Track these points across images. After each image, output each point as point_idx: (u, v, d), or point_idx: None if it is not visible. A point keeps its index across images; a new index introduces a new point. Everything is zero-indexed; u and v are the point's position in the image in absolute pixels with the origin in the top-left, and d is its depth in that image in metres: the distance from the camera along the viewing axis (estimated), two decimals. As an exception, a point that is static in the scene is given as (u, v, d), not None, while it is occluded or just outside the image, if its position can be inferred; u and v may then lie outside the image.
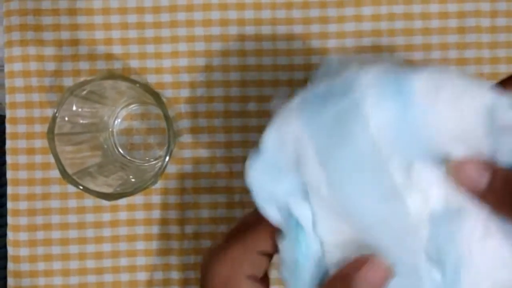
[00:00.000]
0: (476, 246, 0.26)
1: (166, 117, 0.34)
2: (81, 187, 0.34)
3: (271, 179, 0.27)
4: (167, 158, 0.34)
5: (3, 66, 0.42)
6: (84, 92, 0.36)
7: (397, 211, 0.26)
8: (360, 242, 0.27)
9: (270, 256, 0.29)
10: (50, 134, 0.33)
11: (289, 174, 0.27)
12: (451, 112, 0.25)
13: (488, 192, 0.25)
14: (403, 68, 0.25)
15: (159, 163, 0.35)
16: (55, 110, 0.34)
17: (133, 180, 0.39)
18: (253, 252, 0.29)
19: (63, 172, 0.33)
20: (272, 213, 0.27)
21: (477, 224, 0.26)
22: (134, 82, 0.34)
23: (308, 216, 0.28)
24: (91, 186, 0.34)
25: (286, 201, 0.28)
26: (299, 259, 0.28)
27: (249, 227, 0.29)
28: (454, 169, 0.25)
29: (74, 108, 0.36)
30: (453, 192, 0.26)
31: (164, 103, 0.34)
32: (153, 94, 0.34)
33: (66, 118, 0.36)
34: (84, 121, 0.38)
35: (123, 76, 0.34)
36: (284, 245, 0.28)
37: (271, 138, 0.27)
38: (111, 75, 0.34)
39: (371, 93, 0.25)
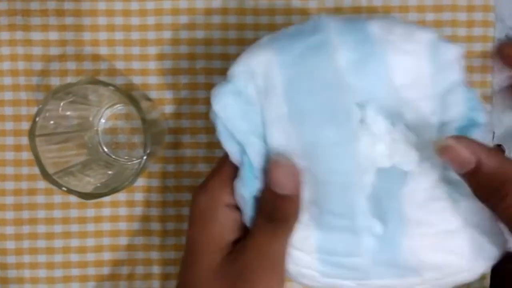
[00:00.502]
0: (418, 207, 0.28)
1: (143, 120, 0.34)
2: (64, 188, 0.35)
3: (238, 111, 0.28)
4: (145, 158, 0.35)
5: None
6: (69, 96, 0.37)
7: (349, 147, 0.27)
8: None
9: None
10: (31, 135, 0.34)
11: (253, 108, 0.28)
12: (402, 51, 0.27)
13: (471, 176, 0.28)
14: (360, 18, 0.28)
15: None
16: (36, 112, 0.34)
17: (116, 178, 0.39)
18: (228, 180, 0.31)
19: (44, 172, 0.34)
20: (232, 149, 0.29)
21: (420, 188, 0.28)
22: (112, 86, 0.34)
23: (258, 154, 0.29)
24: (73, 185, 0.35)
25: (244, 137, 0.29)
26: (244, 195, 0.30)
27: (222, 162, 0.32)
28: (443, 149, 0.27)
29: (59, 109, 0.37)
30: (399, 154, 0.28)
31: (141, 107, 0.34)
32: (130, 98, 0.35)
33: (51, 121, 0.36)
34: (69, 122, 0.39)
35: (104, 82, 0.34)
36: (237, 182, 0.30)
37: (241, 67, 0.28)
38: (92, 80, 0.35)
39: (337, 32, 0.27)
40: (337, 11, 0.43)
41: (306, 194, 0.29)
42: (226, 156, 0.32)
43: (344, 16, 0.29)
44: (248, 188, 0.29)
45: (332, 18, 0.28)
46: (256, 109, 0.28)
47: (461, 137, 0.28)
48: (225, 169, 0.32)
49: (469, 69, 0.43)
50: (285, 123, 0.28)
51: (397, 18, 0.29)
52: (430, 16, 0.43)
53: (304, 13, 0.43)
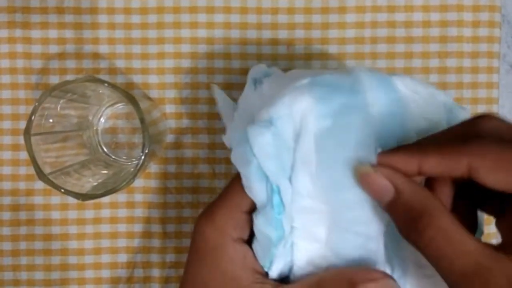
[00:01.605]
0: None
1: (141, 120, 0.32)
2: (62, 190, 0.32)
3: (274, 152, 0.27)
4: (143, 157, 0.33)
5: None
6: (68, 95, 0.35)
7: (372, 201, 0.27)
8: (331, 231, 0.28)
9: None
10: (27, 135, 0.32)
11: (286, 150, 0.27)
12: (423, 105, 0.28)
13: (391, 207, 0.25)
14: (386, 74, 0.28)
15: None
16: (32, 110, 0.32)
17: (114, 179, 0.37)
18: (237, 213, 0.28)
19: (39, 171, 0.32)
20: (259, 189, 0.27)
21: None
22: (108, 84, 0.32)
23: (289, 195, 0.27)
24: (70, 185, 0.33)
25: (277, 178, 0.27)
26: (271, 236, 0.27)
27: (229, 192, 0.29)
28: (361, 176, 0.26)
29: (57, 108, 0.35)
30: None
31: (139, 106, 0.32)
32: (129, 97, 0.33)
33: (50, 118, 0.34)
34: (68, 121, 0.37)
35: (100, 79, 0.32)
36: (260, 221, 0.27)
37: (284, 110, 0.27)
38: (90, 78, 0.32)
39: (371, 89, 0.27)
40: (341, 10, 0.41)
41: (323, 236, 0.28)
42: (235, 185, 0.28)
43: (372, 69, 0.29)
44: (275, 230, 0.27)
45: (366, 73, 0.28)
46: (289, 151, 0.27)
47: (382, 161, 0.26)
48: (235, 200, 0.28)
49: (475, 70, 0.41)
50: (311, 170, 0.27)
51: (416, 77, 0.31)
52: (435, 16, 0.41)
53: (307, 12, 0.41)
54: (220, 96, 0.37)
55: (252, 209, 0.28)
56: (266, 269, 0.28)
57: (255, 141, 0.27)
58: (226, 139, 0.31)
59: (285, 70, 0.41)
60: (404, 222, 0.24)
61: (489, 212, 0.27)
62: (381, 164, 0.26)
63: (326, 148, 0.27)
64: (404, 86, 0.28)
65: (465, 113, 0.29)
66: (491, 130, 0.24)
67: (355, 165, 0.26)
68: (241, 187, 0.27)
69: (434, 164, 0.24)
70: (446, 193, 0.26)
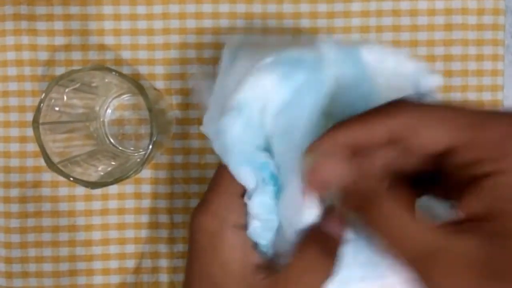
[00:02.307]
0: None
1: (149, 109, 0.31)
2: (71, 179, 0.32)
3: (249, 135, 0.27)
4: (150, 147, 0.32)
5: None
6: (74, 83, 0.34)
7: None
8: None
9: None
10: (35, 123, 0.31)
11: (257, 129, 0.27)
12: (390, 76, 0.27)
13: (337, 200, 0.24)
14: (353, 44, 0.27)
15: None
16: (40, 100, 0.31)
17: (122, 168, 0.36)
18: (233, 198, 0.27)
19: (48, 160, 0.31)
20: (244, 173, 0.27)
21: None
22: (116, 72, 0.32)
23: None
24: (77, 174, 0.32)
25: (260, 157, 0.27)
26: (270, 216, 0.27)
27: (219, 180, 0.28)
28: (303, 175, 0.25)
29: (64, 98, 0.34)
30: None
31: (147, 95, 0.31)
32: (137, 86, 0.32)
33: (57, 108, 0.34)
34: (74, 110, 0.36)
35: (109, 68, 0.32)
36: (254, 202, 0.27)
37: (249, 93, 0.27)
38: (97, 67, 0.32)
39: (336, 62, 0.26)
40: (346, 11, 0.40)
41: None
42: (223, 172, 0.28)
43: (342, 41, 0.28)
44: (269, 212, 0.27)
45: (332, 46, 0.27)
46: (259, 130, 0.27)
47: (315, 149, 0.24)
48: (226, 185, 0.28)
49: (480, 58, 0.41)
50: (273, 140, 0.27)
51: (388, 46, 0.30)
52: (440, 4, 0.40)
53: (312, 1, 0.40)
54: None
55: (243, 192, 0.28)
56: (263, 248, 0.28)
57: (228, 133, 0.26)
58: (203, 128, 0.30)
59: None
60: (354, 209, 0.23)
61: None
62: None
63: (280, 127, 0.27)
64: (372, 57, 0.27)
65: (434, 80, 0.28)
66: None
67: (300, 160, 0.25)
68: (229, 173, 0.27)
69: (360, 133, 0.23)
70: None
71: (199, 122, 0.40)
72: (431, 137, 0.22)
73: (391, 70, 0.27)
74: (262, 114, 0.27)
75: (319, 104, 0.26)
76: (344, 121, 0.24)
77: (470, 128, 0.21)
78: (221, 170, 0.28)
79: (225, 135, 0.27)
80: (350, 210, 0.23)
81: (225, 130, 0.27)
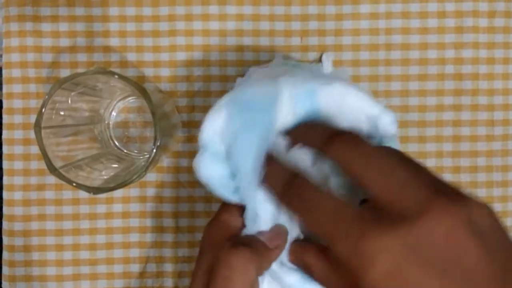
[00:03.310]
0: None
1: (153, 113, 0.30)
2: (74, 184, 0.30)
3: (219, 167, 0.29)
4: (154, 151, 0.30)
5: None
6: (79, 87, 0.32)
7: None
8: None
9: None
10: (37, 127, 0.30)
11: (223, 158, 0.29)
12: (343, 121, 0.28)
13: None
14: (317, 83, 0.28)
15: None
16: (42, 103, 0.30)
17: (126, 172, 0.35)
18: (238, 211, 0.28)
19: (50, 165, 0.29)
20: (229, 196, 0.28)
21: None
22: (124, 78, 0.30)
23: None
24: (81, 179, 0.30)
25: (232, 181, 0.29)
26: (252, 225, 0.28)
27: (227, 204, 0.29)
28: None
29: (68, 101, 0.33)
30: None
31: (151, 99, 0.30)
32: (141, 89, 0.30)
33: (62, 112, 0.32)
34: (79, 114, 0.34)
35: (112, 71, 0.30)
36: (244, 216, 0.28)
37: (208, 132, 0.28)
38: (100, 70, 0.30)
39: (287, 108, 0.28)
40: (355, 1, 0.38)
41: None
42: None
43: (301, 81, 0.29)
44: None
45: (290, 85, 0.28)
46: (224, 163, 0.29)
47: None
48: (221, 216, 0.29)
49: (491, 61, 0.39)
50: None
51: (351, 83, 0.30)
52: (450, 6, 0.39)
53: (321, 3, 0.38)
54: None
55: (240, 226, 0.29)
56: None
57: (200, 170, 0.29)
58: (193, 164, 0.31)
59: (298, 61, 0.38)
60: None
61: None
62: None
63: (234, 163, 0.28)
64: (329, 101, 0.28)
65: (390, 128, 0.28)
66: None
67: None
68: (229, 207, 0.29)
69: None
70: None
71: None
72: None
73: (348, 111, 0.28)
74: (221, 148, 0.29)
75: (265, 137, 0.28)
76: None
77: None
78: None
79: (200, 172, 0.29)
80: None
81: (198, 168, 0.29)
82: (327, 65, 0.38)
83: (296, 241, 0.28)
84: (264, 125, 0.28)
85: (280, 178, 0.26)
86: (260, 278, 0.27)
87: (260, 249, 0.26)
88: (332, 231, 0.22)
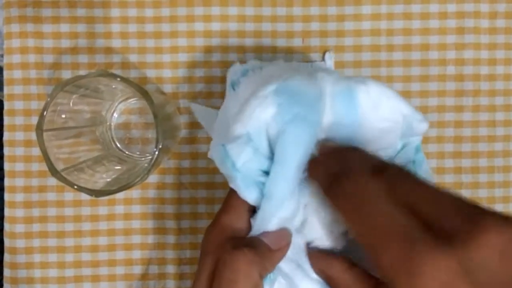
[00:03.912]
0: None
1: (154, 115, 0.29)
2: (75, 187, 0.30)
3: (257, 163, 0.27)
4: (157, 153, 0.30)
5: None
6: (81, 90, 0.32)
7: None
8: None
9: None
10: (39, 130, 0.29)
11: (265, 157, 0.27)
12: (380, 119, 0.27)
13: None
14: (352, 81, 0.27)
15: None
16: (44, 106, 0.29)
17: (128, 174, 0.34)
18: (238, 213, 0.27)
19: (51, 168, 0.29)
20: (250, 195, 0.27)
21: None
22: (125, 80, 0.30)
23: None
24: (82, 181, 0.30)
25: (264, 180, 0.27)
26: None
27: (228, 199, 0.28)
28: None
29: (70, 103, 0.32)
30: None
31: (152, 101, 0.29)
32: (142, 92, 0.30)
33: (63, 115, 0.31)
34: (80, 116, 0.34)
35: (114, 74, 0.29)
36: (254, 217, 0.27)
37: (256, 122, 0.27)
38: (102, 73, 0.29)
39: (331, 106, 0.27)
40: (357, 2, 0.38)
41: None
42: (232, 193, 0.28)
43: (341, 78, 0.28)
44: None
45: (331, 83, 0.27)
46: (265, 157, 0.28)
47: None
48: (235, 203, 0.28)
49: (492, 62, 0.38)
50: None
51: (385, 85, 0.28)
52: (452, 7, 0.38)
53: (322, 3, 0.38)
54: (198, 110, 0.34)
55: (243, 228, 0.28)
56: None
57: (238, 159, 0.27)
58: (210, 154, 0.29)
59: (299, 62, 0.38)
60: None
61: None
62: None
63: (276, 156, 0.27)
64: (367, 101, 0.27)
65: (422, 126, 0.28)
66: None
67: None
68: (236, 194, 0.27)
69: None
70: None
71: (207, 126, 0.38)
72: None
73: (384, 113, 0.28)
74: (265, 141, 0.27)
75: (313, 135, 0.27)
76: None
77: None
78: (231, 191, 0.28)
79: (235, 161, 0.27)
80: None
81: (236, 156, 0.27)
82: (330, 64, 0.37)
83: (319, 251, 0.27)
84: (311, 122, 0.26)
85: (328, 170, 0.24)
86: (269, 280, 0.27)
87: (263, 251, 0.25)
88: (380, 240, 0.21)
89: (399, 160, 0.28)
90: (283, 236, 0.27)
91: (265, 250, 0.26)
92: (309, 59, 0.38)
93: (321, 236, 0.27)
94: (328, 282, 0.26)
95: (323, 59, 0.38)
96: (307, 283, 0.27)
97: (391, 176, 0.22)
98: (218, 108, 0.35)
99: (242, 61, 0.36)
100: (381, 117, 0.27)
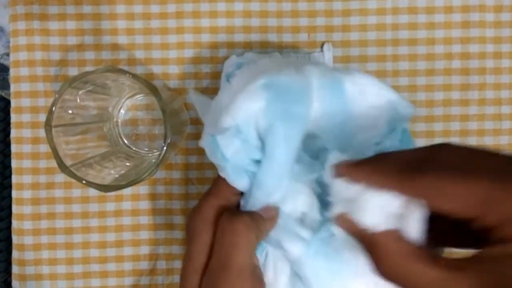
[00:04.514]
0: None
1: (163, 110, 0.29)
2: (83, 182, 0.29)
3: (247, 153, 0.28)
4: (165, 149, 0.29)
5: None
6: (88, 85, 0.31)
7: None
8: None
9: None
10: (48, 126, 0.28)
11: (254, 147, 0.28)
12: (367, 107, 0.29)
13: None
14: (338, 72, 0.29)
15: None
16: (53, 102, 0.29)
17: (136, 170, 0.34)
18: (222, 200, 0.29)
19: (61, 163, 0.28)
20: (240, 182, 0.28)
21: None
22: (130, 74, 0.29)
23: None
24: (91, 177, 0.29)
25: (254, 168, 0.28)
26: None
27: (214, 186, 0.29)
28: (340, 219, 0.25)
29: (77, 99, 0.32)
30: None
31: (161, 97, 0.29)
32: (151, 88, 0.29)
33: (70, 110, 0.31)
34: (87, 112, 0.33)
35: (123, 69, 0.29)
36: (248, 202, 0.29)
37: (244, 114, 0.27)
38: (110, 69, 0.29)
39: (318, 89, 0.28)
40: (362, 9, 0.37)
41: None
42: (219, 180, 0.29)
43: (328, 70, 0.29)
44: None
45: (318, 74, 0.28)
46: (254, 147, 0.28)
47: (346, 173, 0.25)
48: (220, 190, 0.29)
49: (498, 56, 0.38)
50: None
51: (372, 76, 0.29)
52: (457, 2, 0.38)
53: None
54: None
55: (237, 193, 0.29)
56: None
57: (227, 149, 0.27)
58: (201, 142, 0.30)
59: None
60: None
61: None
62: (345, 174, 0.25)
63: (267, 150, 0.27)
64: (354, 89, 0.28)
65: (409, 111, 0.29)
66: (447, 158, 0.22)
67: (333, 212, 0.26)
68: (222, 179, 0.29)
69: (393, 188, 0.23)
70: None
71: (214, 122, 0.37)
72: (457, 207, 0.21)
73: (370, 100, 0.29)
74: (254, 133, 0.28)
75: (302, 129, 0.27)
76: (378, 168, 0.24)
77: (498, 198, 0.20)
78: (218, 177, 0.29)
79: (224, 152, 0.27)
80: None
81: (225, 148, 0.27)
82: (328, 55, 0.37)
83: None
84: (300, 117, 0.27)
85: (399, 164, 0.23)
86: (261, 248, 0.29)
87: (258, 219, 0.27)
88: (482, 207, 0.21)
89: (387, 144, 0.29)
90: (272, 208, 0.28)
91: (259, 218, 0.28)
92: (313, 52, 0.37)
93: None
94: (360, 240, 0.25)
95: (321, 50, 0.37)
96: (292, 243, 0.28)
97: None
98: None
99: (240, 54, 0.36)
100: (368, 104, 0.28)
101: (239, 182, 0.28)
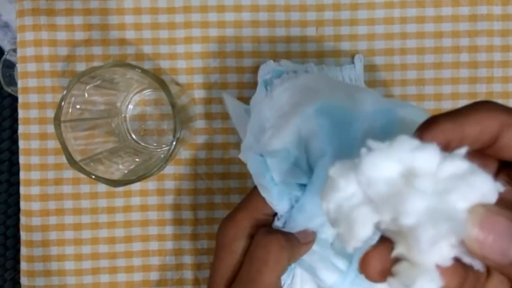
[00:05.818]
0: None
1: (172, 104, 0.27)
2: (92, 176, 0.28)
3: (295, 176, 0.27)
4: (174, 144, 0.28)
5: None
6: (95, 80, 0.30)
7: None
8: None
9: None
10: (57, 121, 0.27)
11: (302, 171, 0.27)
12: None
13: None
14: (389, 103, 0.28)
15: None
16: (62, 97, 0.27)
17: (145, 165, 0.33)
18: (256, 214, 0.27)
19: (70, 159, 0.27)
20: (281, 206, 0.27)
21: None
22: (139, 69, 0.28)
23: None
24: (100, 172, 0.28)
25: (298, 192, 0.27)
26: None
27: (250, 198, 0.28)
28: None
29: (85, 95, 0.30)
30: None
31: (170, 91, 0.27)
32: (160, 82, 0.28)
33: (78, 105, 0.30)
34: (95, 107, 0.32)
35: (131, 64, 0.28)
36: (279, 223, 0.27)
37: (294, 139, 0.27)
38: (119, 63, 0.28)
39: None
40: (370, 3, 0.36)
41: None
42: (255, 193, 0.27)
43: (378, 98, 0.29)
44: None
45: (369, 102, 0.28)
46: (303, 172, 0.27)
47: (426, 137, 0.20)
48: (255, 204, 0.28)
49: (505, 49, 0.37)
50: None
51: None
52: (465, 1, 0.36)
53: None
54: (228, 101, 0.33)
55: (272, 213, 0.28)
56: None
57: (277, 174, 0.26)
58: (243, 157, 0.29)
59: (313, 52, 0.36)
60: None
61: None
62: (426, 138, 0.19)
63: (315, 177, 0.26)
64: (403, 122, 0.27)
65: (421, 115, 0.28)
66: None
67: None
68: (260, 196, 0.27)
69: (452, 132, 0.19)
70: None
71: (222, 116, 0.36)
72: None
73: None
74: (304, 158, 0.27)
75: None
76: (436, 119, 0.20)
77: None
78: (254, 191, 0.28)
79: (273, 174, 0.27)
80: None
81: (275, 170, 0.26)
82: (359, 67, 0.35)
83: None
84: (351, 146, 0.26)
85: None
86: (290, 269, 0.27)
87: (293, 241, 0.26)
88: None
89: None
90: (310, 233, 0.27)
91: (295, 241, 0.26)
92: (322, 48, 0.36)
93: None
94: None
95: (352, 62, 0.36)
96: (327, 272, 0.27)
97: None
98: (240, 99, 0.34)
99: (272, 57, 0.35)
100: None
101: (281, 207, 0.27)
